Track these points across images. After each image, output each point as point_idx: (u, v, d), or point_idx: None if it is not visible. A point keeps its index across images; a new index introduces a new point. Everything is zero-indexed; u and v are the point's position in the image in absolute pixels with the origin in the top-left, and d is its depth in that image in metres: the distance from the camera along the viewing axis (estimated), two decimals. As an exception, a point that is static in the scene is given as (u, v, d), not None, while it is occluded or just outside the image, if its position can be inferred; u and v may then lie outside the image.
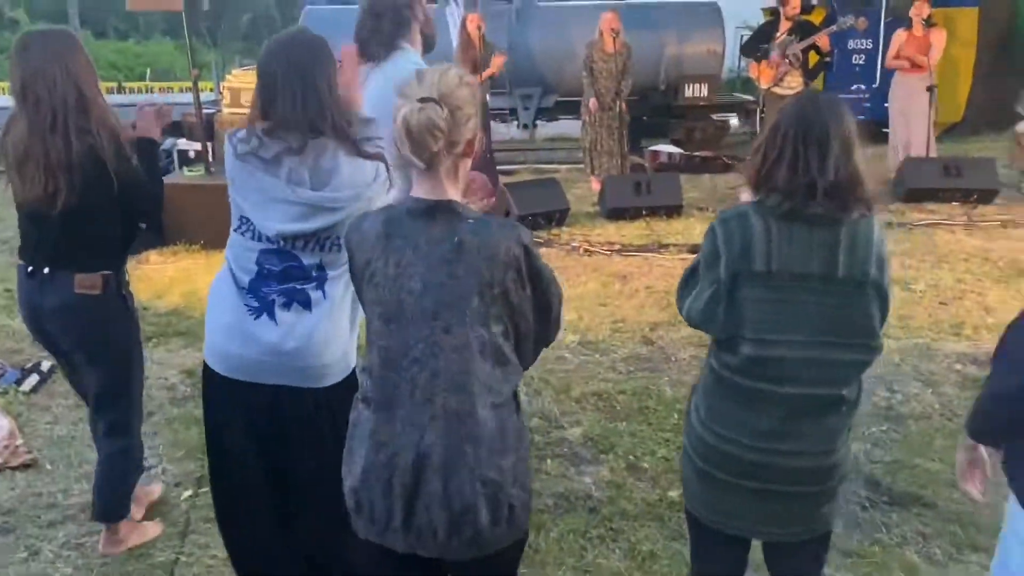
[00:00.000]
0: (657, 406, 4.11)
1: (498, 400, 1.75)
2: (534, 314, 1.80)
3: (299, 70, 2.09)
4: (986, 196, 7.61)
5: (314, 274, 2.18)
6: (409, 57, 2.84)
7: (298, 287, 2.17)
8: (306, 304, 2.17)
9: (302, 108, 2.08)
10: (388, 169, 2.18)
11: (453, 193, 1.75)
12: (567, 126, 14.53)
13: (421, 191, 1.75)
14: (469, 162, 1.80)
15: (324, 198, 2.09)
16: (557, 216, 7.43)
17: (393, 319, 1.73)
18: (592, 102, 8.55)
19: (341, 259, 2.09)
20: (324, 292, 2.18)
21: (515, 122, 13.54)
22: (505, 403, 1.77)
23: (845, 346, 1.93)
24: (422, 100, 1.65)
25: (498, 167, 9.54)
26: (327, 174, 2.10)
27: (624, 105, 8.61)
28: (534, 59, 12.74)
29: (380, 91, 2.52)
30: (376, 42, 2.84)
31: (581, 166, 9.32)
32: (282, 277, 2.17)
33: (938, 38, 8.32)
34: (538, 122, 13.96)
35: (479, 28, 8.17)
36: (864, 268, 1.91)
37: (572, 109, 13.67)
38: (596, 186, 8.46)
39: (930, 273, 6.04)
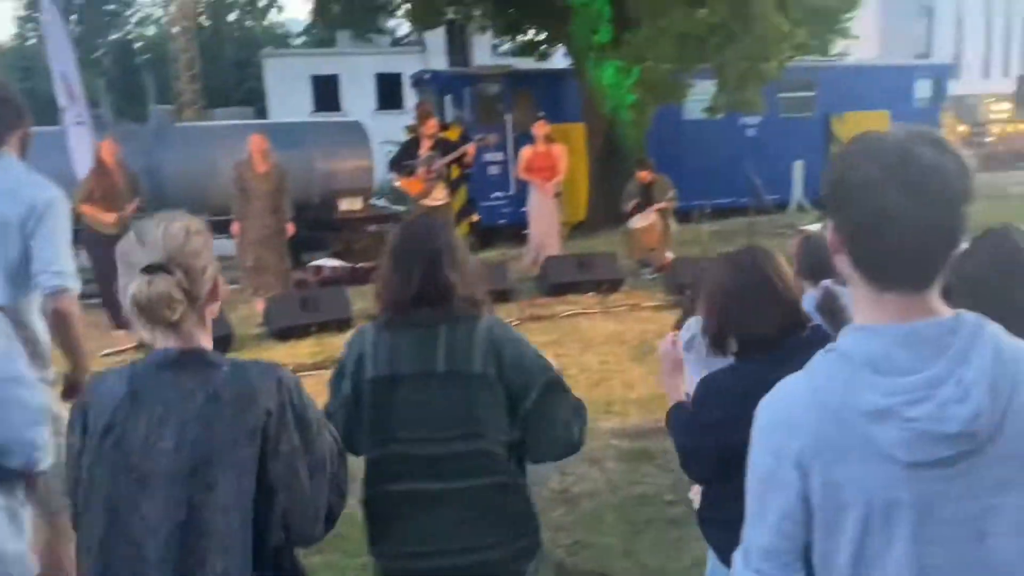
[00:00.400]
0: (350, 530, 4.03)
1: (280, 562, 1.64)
2: (306, 477, 1.65)
3: None
4: (614, 285, 8.72)
5: None
6: (10, 163, 2.70)
7: None
8: None
9: None
10: None
11: (204, 341, 1.65)
12: (217, 246, 14.11)
13: (168, 343, 1.62)
14: (217, 304, 1.70)
15: None
16: (220, 343, 7.09)
17: (148, 482, 1.56)
18: (234, 226, 8.43)
19: None
20: None
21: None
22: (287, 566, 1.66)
23: (472, 437, 2.05)
24: (148, 270, 1.54)
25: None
26: None
27: (288, 224, 8.58)
28: (175, 181, 12.27)
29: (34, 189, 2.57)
30: None
31: (237, 286, 9.04)
32: None
33: (560, 152, 9.50)
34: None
35: (114, 155, 7.70)
36: (468, 363, 2.05)
37: (221, 229, 13.34)
38: (260, 307, 8.26)
39: (579, 358, 6.71)
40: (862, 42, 27.67)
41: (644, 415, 5.42)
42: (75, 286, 2.70)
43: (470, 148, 8.87)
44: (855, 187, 1.15)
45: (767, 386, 1.96)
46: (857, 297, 1.22)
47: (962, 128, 25.05)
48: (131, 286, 1.55)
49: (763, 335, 2.06)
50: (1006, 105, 24.92)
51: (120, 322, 7.87)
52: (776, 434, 1.23)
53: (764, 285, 2.09)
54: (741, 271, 2.13)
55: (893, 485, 1.14)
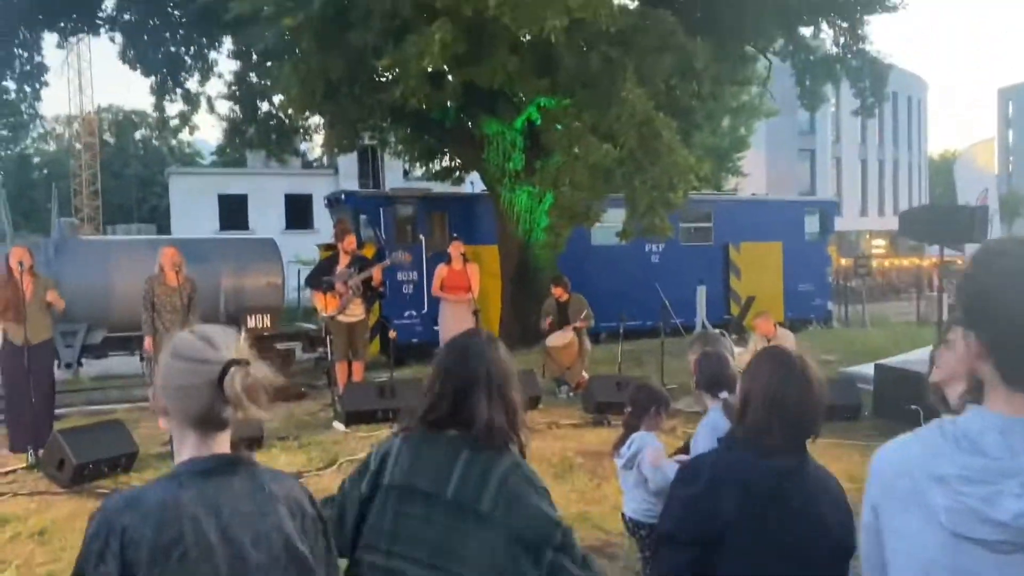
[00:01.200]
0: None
1: None
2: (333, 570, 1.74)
3: None
4: (532, 402, 8.70)
5: None
6: None
7: None
8: None
9: None
10: None
11: (228, 447, 1.68)
12: (118, 363, 13.50)
13: (202, 451, 1.62)
14: None
15: None
16: (124, 461, 6.70)
17: None
18: (147, 341, 8.15)
19: None
20: None
21: (56, 362, 12.21)
22: None
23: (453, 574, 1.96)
24: (236, 362, 1.60)
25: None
26: None
27: None
28: (77, 295, 11.81)
29: None
30: None
31: (143, 404, 8.65)
32: None
33: (474, 271, 9.67)
34: (83, 360, 12.77)
35: (21, 263, 7.39)
36: (477, 499, 1.98)
37: (122, 345, 12.82)
38: (164, 425, 7.86)
39: (501, 477, 6.61)
40: (752, 179, 29.74)
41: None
42: None
43: (375, 271, 8.92)
44: (1004, 301, 1.26)
45: (762, 473, 2.03)
46: (992, 394, 1.32)
47: (845, 261, 26.88)
48: (235, 374, 1.58)
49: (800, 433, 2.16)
50: (882, 241, 26.99)
51: (16, 445, 7.37)
52: (872, 480, 1.40)
53: (810, 386, 2.19)
54: (791, 371, 2.21)
55: (938, 549, 1.26)
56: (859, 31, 14.64)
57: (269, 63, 12.16)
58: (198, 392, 1.60)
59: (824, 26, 14.69)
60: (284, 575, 1.61)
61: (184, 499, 1.55)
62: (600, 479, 6.39)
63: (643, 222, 9.65)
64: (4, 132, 15.53)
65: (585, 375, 9.67)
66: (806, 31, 14.91)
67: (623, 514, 4.13)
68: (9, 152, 45.77)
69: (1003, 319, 1.27)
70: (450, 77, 9.33)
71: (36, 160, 49.80)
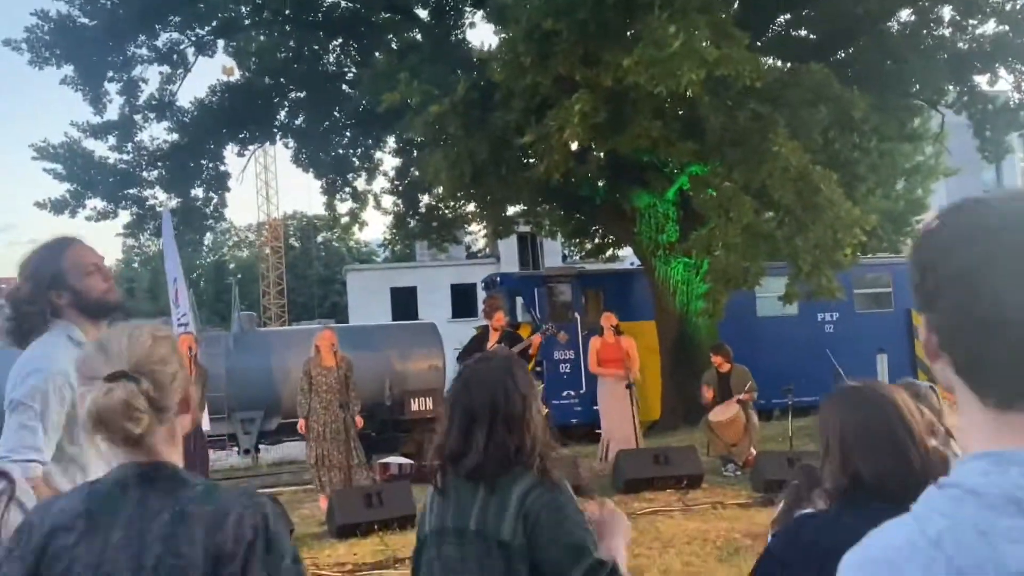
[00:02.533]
0: None
1: None
2: None
3: None
4: (694, 481, 8.17)
5: None
6: (55, 337, 2.48)
7: None
8: None
9: None
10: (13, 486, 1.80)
11: (173, 456, 1.47)
12: (292, 448, 14.07)
13: (132, 457, 1.45)
14: (188, 417, 1.53)
15: None
16: (280, 540, 6.80)
17: None
18: (301, 423, 8.37)
19: None
20: None
21: (236, 448, 12.87)
22: None
23: None
24: (110, 378, 1.39)
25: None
26: None
27: (356, 418, 8.49)
28: (254, 383, 12.49)
29: (26, 367, 2.35)
30: (22, 332, 2.51)
31: (309, 486, 8.85)
32: None
33: (629, 343, 9.35)
34: (261, 446, 13.39)
35: (189, 348, 7.87)
36: (497, 528, 1.91)
37: (293, 431, 13.38)
38: (324, 503, 7.99)
39: (660, 559, 6.15)
40: (935, 243, 27.68)
41: (734, 620, 4.83)
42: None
43: (535, 339, 8.80)
44: (953, 276, 0.87)
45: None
46: (968, 418, 0.88)
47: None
48: (89, 395, 1.40)
49: (885, 479, 1.79)
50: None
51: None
52: None
53: (886, 422, 1.85)
54: (862, 403, 1.91)
55: None
56: (1043, 73, 13.44)
57: (424, 152, 12.71)
58: None
59: (1002, 72, 13.61)
60: None
61: (82, 510, 1.42)
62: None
63: (808, 283, 9.04)
64: (194, 236, 17.05)
65: (753, 451, 9.00)
66: (980, 79, 13.87)
67: None
68: (209, 260, 50.40)
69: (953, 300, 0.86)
70: (594, 150, 9.30)
71: (232, 267, 54.53)
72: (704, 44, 6.59)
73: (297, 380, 12.20)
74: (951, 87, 13.23)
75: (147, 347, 1.46)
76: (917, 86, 11.96)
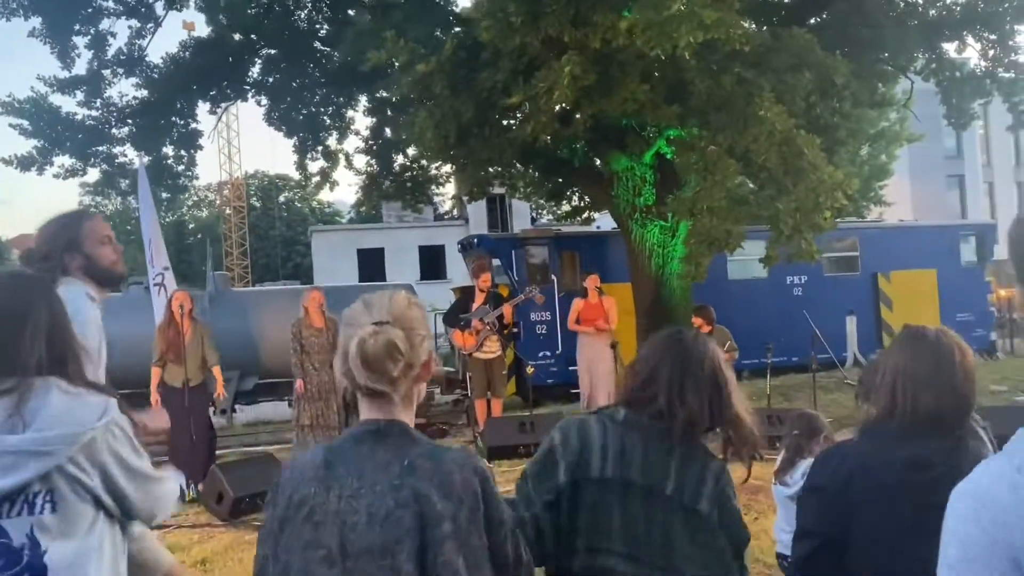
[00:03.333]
0: None
1: None
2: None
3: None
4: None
5: (26, 555, 1.68)
6: (71, 288, 2.59)
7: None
8: None
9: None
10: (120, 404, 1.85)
11: (406, 417, 1.59)
12: (268, 409, 14.06)
13: (370, 415, 1.58)
14: (424, 385, 1.66)
15: (25, 440, 1.68)
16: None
17: (337, 562, 1.44)
18: (298, 383, 8.41)
19: (64, 525, 1.70)
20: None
21: (212, 408, 12.84)
22: None
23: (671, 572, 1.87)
24: (377, 324, 1.54)
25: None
26: (31, 413, 1.72)
27: None
28: (230, 343, 12.42)
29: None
30: None
31: (289, 445, 8.92)
32: None
33: (611, 303, 9.51)
34: (236, 407, 13.37)
35: (181, 306, 7.84)
36: (695, 497, 1.90)
37: (273, 391, 13.35)
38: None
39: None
40: (896, 209, 28.26)
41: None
42: None
43: (506, 308, 8.93)
44: None
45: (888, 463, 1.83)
46: None
47: (1005, 292, 24.92)
48: (355, 337, 1.54)
49: (930, 412, 1.94)
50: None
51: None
52: (978, 525, 1.04)
53: (946, 359, 1.99)
54: (925, 343, 2.04)
55: None
56: (1010, 42, 13.71)
57: (402, 117, 12.60)
58: (345, 358, 1.59)
59: (970, 40, 13.85)
60: (398, 560, 1.44)
61: (322, 460, 1.55)
62: (757, 513, 6.03)
63: (788, 246, 9.24)
64: (165, 195, 16.82)
65: (731, 409, 9.26)
66: (949, 47, 14.10)
67: (777, 553, 4.01)
68: (168, 220, 49.50)
69: None
70: (579, 113, 9.32)
71: (191, 226, 53.64)
72: (703, 7, 6.64)
73: (273, 340, 12.26)
74: (921, 53, 13.45)
75: (404, 306, 1.61)
76: (888, 52, 12.14)
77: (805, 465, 3.78)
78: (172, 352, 7.70)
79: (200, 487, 7.16)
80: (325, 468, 1.54)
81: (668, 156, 10.98)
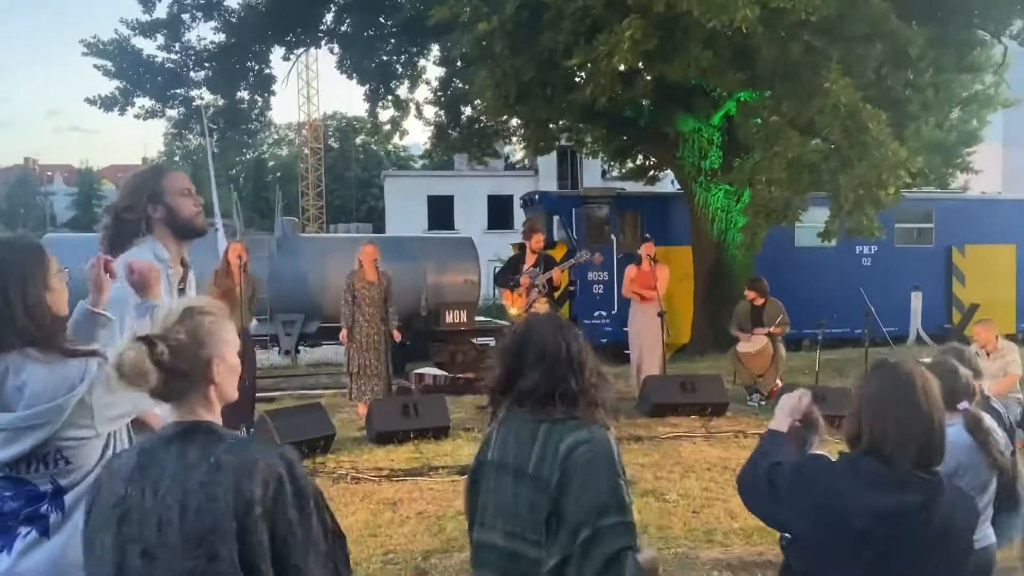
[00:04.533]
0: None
1: None
2: (302, 552, 1.66)
3: None
4: (719, 409, 8.41)
5: (48, 495, 2.04)
6: (143, 248, 2.76)
7: (36, 512, 2.02)
8: (44, 530, 2.02)
9: None
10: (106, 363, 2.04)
11: (211, 416, 1.74)
12: (330, 351, 14.54)
13: (176, 416, 1.73)
14: (214, 388, 1.76)
15: (19, 418, 1.96)
16: (322, 443, 7.19)
17: (156, 555, 1.60)
18: (343, 332, 8.67)
19: (73, 472, 2.02)
20: (64, 514, 2.04)
21: (276, 348, 13.34)
22: None
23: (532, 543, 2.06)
24: (136, 340, 1.67)
25: (259, 394, 9.23)
26: (16, 392, 1.98)
27: (394, 331, 8.80)
28: (296, 287, 12.84)
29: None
30: (116, 240, 2.79)
31: (346, 391, 9.24)
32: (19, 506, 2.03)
33: (663, 273, 9.44)
34: (300, 348, 13.84)
35: (239, 258, 8.15)
36: (542, 467, 2.08)
37: (334, 335, 13.77)
38: (362, 410, 8.38)
39: (680, 483, 6.43)
40: (985, 177, 26.96)
41: (747, 547, 5.10)
42: None
43: (556, 272, 8.91)
44: None
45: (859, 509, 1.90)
46: None
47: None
48: (116, 353, 1.68)
49: (894, 450, 2.01)
50: None
51: (228, 424, 8.08)
52: None
53: (908, 398, 2.04)
54: (889, 377, 2.10)
55: None
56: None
57: (470, 68, 12.60)
58: None
59: (1071, 3, 13.03)
60: (215, 547, 1.58)
61: (136, 463, 1.68)
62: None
63: (849, 221, 9.01)
64: (240, 138, 17.33)
65: (779, 383, 9.20)
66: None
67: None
68: (249, 156, 50.68)
69: None
70: (642, 74, 9.19)
71: (271, 164, 54.80)
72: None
73: (336, 287, 12.56)
74: (1017, 17, 12.73)
75: (174, 320, 1.72)
76: (979, 18, 11.53)
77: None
78: (227, 301, 8.03)
79: (251, 431, 7.51)
80: (139, 470, 1.68)
81: (738, 121, 10.75)
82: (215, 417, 1.75)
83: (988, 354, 7.99)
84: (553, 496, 2.03)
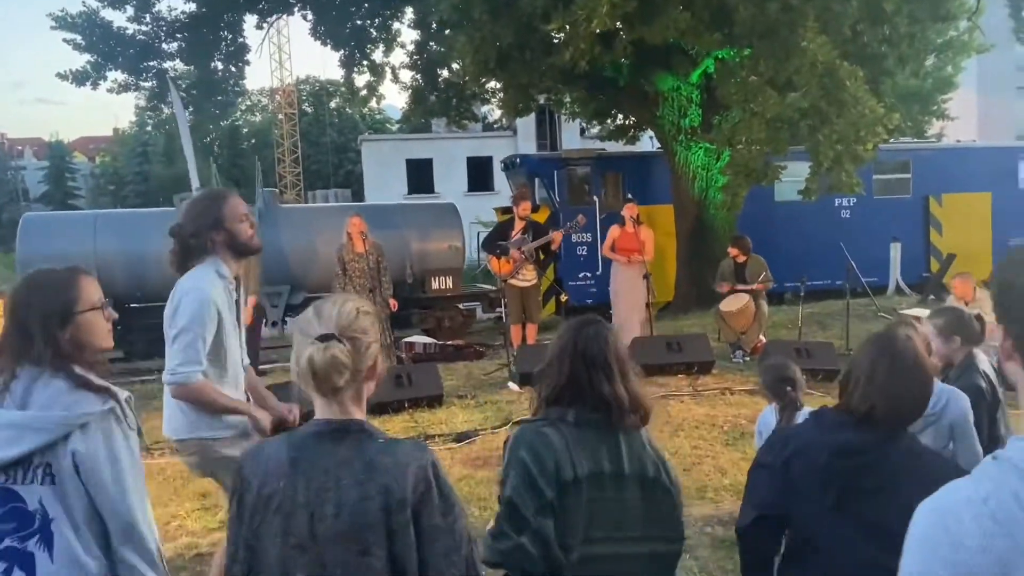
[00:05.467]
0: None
1: None
2: (444, 556, 1.71)
3: (19, 306, 2.09)
4: (705, 367, 8.56)
5: (38, 520, 1.99)
6: (206, 270, 3.14)
7: (15, 545, 1.97)
8: (28, 566, 1.97)
9: (18, 339, 2.06)
10: (122, 404, 2.09)
11: (359, 414, 1.78)
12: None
13: (327, 414, 1.76)
14: (374, 383, 1.83)
15: (27, 416, 1.99)
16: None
17: (307, 547, 1.67)
18: None
19: (65, 498, 1.98)
20: (51, 546, 1.99)
21: (263, 320, 13.38)
22: None
23: (664, 540, 2.18)
24: (323, 338, 1.70)
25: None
26: (22, 401, 2.03)
27: (390, 300, 8.87)
28: (280, 258, 12.83)
29: (183, 293, 3.07)
30: (183, 261, 3.17)
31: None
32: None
33: (648, 235, 9.53)
34: (287, 319, 13.88)
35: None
36: (643, 467, 2.17)
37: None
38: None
39: (670, 442, 6.59)
40: (960, 124, 27.15)
41: (738, 501, 5.23)
42: (185, 380, 3.05)
43: (556, 236, 8.99)
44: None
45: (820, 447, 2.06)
46: None
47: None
48: (305, 352, 1.70)
49: (861, 410, 2.16)
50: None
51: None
52: (940, 545, 1.13)
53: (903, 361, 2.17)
54: (882, 347, 2.22)
55: None
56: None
57: (447, 31, 12.49)
58: (295, 363, 1.76)
59: (1044, -52, 13.09)
60: (367, 543, 1.65)
61: (287, 458, 1.73)
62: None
63: (828, 178, 9.12)
64: (215, 111, 17.14)
65: (763, 339, 9.37)
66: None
67: None
68: (222, 124, 50.01)
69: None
70: (621, 35, 9.18)
71: (245, 131, 54.09)
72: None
73: (321, 258, 12.57)
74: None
75: (352, 317, 1.76)
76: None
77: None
78: (243, 272, 8.04)
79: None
80: (291, 465, 1.71)
81: (716, 79, 10.77)
82: (363, 414, 1.80)
83: (967, 304, 8.20)
84: (666, 489, 2.21)
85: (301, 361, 1.71)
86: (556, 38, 9.86)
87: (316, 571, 1.67)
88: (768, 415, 4.06)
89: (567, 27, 8.61)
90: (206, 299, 3.04)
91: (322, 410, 1.77)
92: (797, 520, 2.17)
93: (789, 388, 4.04)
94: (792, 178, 12.32)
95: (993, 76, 31.55)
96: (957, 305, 8.10)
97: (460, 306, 13.59)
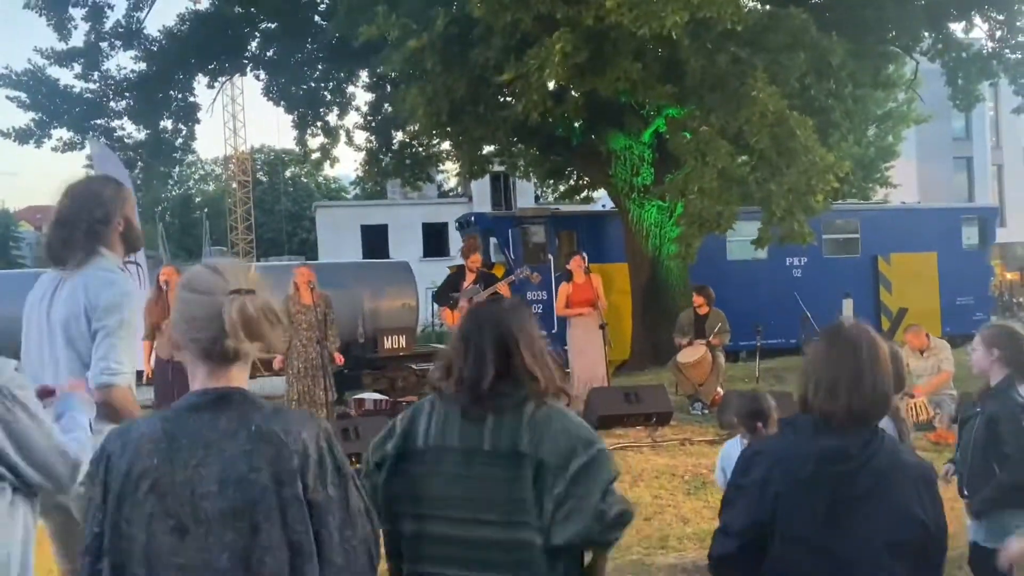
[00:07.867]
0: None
1: None
2: (339, 531, 1.54)
3: None
4: (663, 418, 8.39)
5: None
6: (102, 264, 2.72)
7: None
8: None
9: None
10: None
11: (242, 382, 1.60)
12: (265, 383, 14.13)
13: (207, 383, 1.57)
14: (259, 344, 1.65)
15: None
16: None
17: (189, 530, 1.45)
18: (277, 359, 8.40)
19: None
20: None
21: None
22: None
23: (511, 525, 1.91)
24: (246, 291, 1.55)
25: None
26: None
27: (335, 354, 8.57)
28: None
29: (71, 296, 2.62)
30: (68, 250, 2.73)
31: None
32: None
33: (598, 282, 9.44)
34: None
35: (166, 282, 7.84)
36: (513, 442, 1.94)
37: (268, 365, 13.41)
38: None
39: (630, 492, 6.35)
40: (903, 191, 28.04)
41: (701, 550, 5.03)
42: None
43: (501, 286, 8.84)
44: None
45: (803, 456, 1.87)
46: None
47: (1011, 275, 24.76)
48: (232, 303, 1.52)
49: (836, 410, 1.97)
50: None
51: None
52: None
53: (851, 360, 2.00)
54: (835, 340, 2.07)
55: None
56: (1018, 23, 13.54)
57: (401, 88, 12.53)
58: (205, 324, 1.55)
59: (977, 20, 13.68)
60: (257, 520, 1.48)
61: (161, 433, 1.53)
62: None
63: (781, 227, 9.17)
64: (163, 169, 16.90)
65: (720, 390, 9.24)
66: (956, 26, 13.91)
67: None
68: (175, 193, 49.61)
69: None
70: (572, 91, 9.25)
71: (198, 199, 53.69)
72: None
73: (270, 316, 12.24)
74: (926, 34, 13.28)
75: (258, 279, 1.63)
76: (893, 32, 11.99)
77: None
78: (162, 326, 7.71)
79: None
80: (167, 440, 1.52)
81: (668, 135, 10.90)
82: (246, 383, 1.62)
83: (922, 352, 8.19)
84: (533, 464, 1.94)
85: (232, 312, 1.52)
86: (509, 92, 9.90)
87: (198, 558, 1.45)
88: (730, 448, 3.89)
89: (519, 79, 8.63)
90: (131, 299, 2.73)
91: (202, 382, 1.57)
92: (783, 540, 1.93)
93: (760, 424, 3.89)
94: (743, 238, 12.43)
95: (931, 146, 32.79)
96: (911, 354, 8.12)
97: (413, 366, 13.27)
